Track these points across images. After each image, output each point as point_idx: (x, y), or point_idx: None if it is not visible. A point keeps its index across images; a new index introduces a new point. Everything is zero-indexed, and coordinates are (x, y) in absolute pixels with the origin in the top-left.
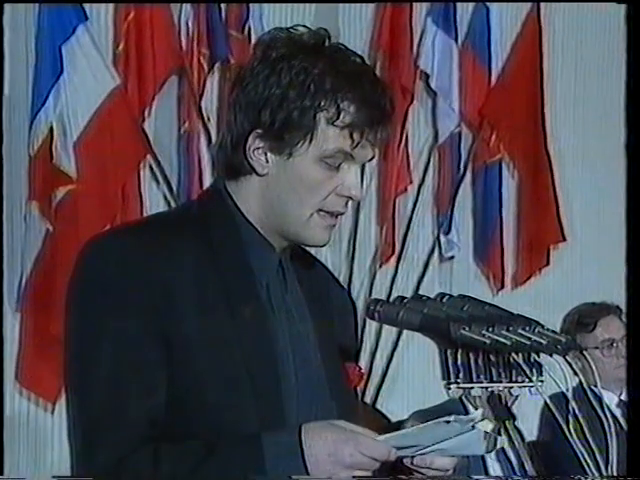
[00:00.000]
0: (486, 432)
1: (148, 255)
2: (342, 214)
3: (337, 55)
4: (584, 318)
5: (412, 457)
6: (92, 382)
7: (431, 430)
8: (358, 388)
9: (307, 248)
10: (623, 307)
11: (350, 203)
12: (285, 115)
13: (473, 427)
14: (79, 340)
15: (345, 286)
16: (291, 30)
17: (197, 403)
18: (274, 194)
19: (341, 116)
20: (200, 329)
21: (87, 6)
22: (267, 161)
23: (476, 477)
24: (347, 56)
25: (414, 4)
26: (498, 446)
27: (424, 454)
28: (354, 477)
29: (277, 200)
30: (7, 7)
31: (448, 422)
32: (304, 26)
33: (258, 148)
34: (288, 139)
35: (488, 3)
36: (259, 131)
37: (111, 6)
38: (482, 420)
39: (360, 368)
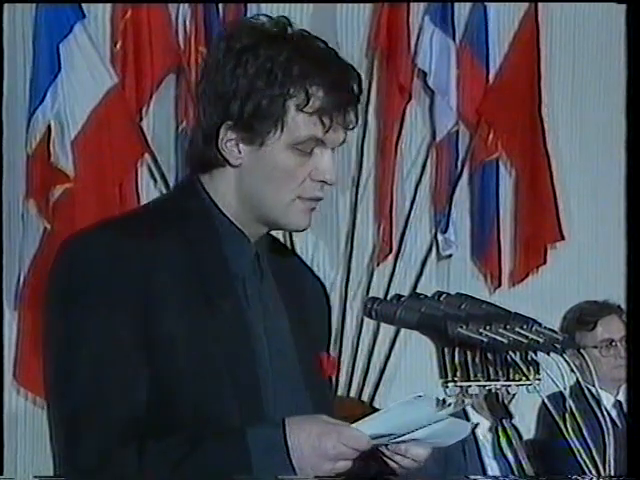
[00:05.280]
0: (460, 422)
1: (126, 254)
2: (320, 199)
3: (302, 41)
4: (585, 316)
5: (386, 445)
6: (74, 380)
7: (403, 412)
8: (357, 386)
9: (282, 239)
10: (622, 305)
11: (348, 201)
12: (254, 105)
13: (467, 420)
14: (60, 339)
15: (343, 285)
16: (252, 20)
17: (180, 398)
18: (250, 184)
19: (310, 102)
20: (180, 325)
21: (85, 5)
22: (240, 152)
23: (472, 477)
24: (312, 42)
25: (412, 3)
26: (469, 431)
27: (399, 443)
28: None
29: (253, 190)
30: (5, 6)
31: (420, 397)
32: (266, 15)
33: (230, 140)
34: (259, 129)
35: (486, 2)
36: (229, 123)
37: (109, 5)
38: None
39: (333, 357)
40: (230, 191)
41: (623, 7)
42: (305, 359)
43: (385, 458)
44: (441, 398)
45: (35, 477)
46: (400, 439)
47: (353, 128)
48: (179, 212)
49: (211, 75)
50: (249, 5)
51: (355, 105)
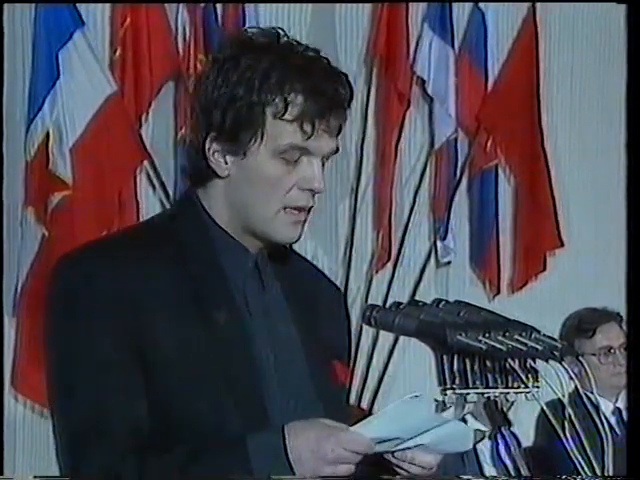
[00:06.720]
0: (469, 428)
1: (118, 272)
2: (311, 207)
3: (286, 49)
4: (584, 324)
5: (393, 452)
6: (74, 397)
7: (402, 413)
8: (355, 393)
9: (291, 245)
10: (622, 312)
11: (347, 208)
12: (234, 114)
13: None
14: (58, 357)
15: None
16: (244, 32)
17: (178, 411)
18: (237, 195)
19: (289, 109)
20: (175, 340)
21: (84, 11)
22: (226, 163)
23: (465, 477)
24: (297, 50)
25: (410, 10)
26: (477, 440)
27: (404, 449)
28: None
29: (240, 201)
30: (5, 6)
31: (416, 396)
32: (258, 27)
33: (217, 151)
34: (240, 138)
35: (484, 7)
36: (214, 134)
37: (108, 11)
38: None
39: (344, 364)
40: (222, 203)
41: (623, 7)
42: (317, 368)
43: (393, 466)
44: (440, 400)
45: (35, 477)
46: (405, 445)
47: (339, 134)
48: (174, 227)
49: (197, 87)
50: (247, 10)
51: (339, 110)
